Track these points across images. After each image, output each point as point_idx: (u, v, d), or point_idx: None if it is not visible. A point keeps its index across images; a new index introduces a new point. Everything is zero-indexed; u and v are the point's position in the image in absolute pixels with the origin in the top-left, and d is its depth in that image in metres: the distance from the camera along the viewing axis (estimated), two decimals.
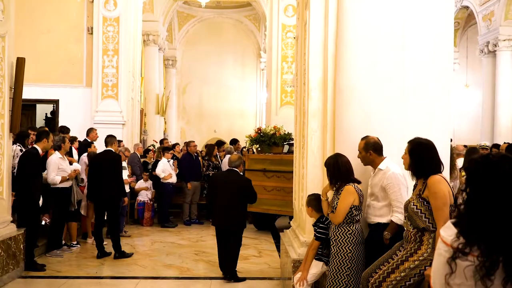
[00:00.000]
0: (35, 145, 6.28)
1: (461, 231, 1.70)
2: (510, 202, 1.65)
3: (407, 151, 3.22)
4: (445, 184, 3.02)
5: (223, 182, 5.81)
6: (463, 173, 3.66)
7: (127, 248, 7.32)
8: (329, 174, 3.90)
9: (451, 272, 1.65)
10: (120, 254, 6.73)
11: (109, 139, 7.17)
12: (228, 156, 9.24)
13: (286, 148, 9.07)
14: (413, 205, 3.06)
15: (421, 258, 3.02)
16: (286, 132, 8.83)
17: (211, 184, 6.16)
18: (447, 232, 1.76)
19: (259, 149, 8.93)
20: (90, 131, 8.90)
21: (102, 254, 6.73)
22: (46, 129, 7.16)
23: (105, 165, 6.90)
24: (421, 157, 3.12)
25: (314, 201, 4.22)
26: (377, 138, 3.83)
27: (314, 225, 4.20)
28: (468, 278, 1.62)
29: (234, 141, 11.61)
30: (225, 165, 9.08)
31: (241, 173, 6.16)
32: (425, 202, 3.03)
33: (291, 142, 8.80)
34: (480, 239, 1.64)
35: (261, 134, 8.84)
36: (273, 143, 8.73)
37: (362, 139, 3.85)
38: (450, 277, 1.66)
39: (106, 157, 6.99)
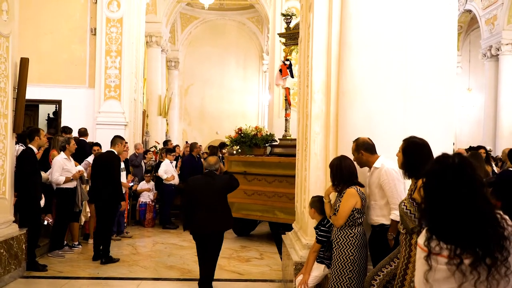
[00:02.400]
0: (29, 145, 6.22)
1: (429, 230, 1.75)
2: (458, 191, 1.71)
3: (401, 149, 3.21)
4: None
5: (203, 187, 5.27)
6: None
7: (129, 249, 7.32)
8: (332, 176, 3.91)
9: (429, 269, 1.69)
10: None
11: (112, 140, 7.01)
12: None
13: (268, 149, 8.56)
14: (404, 205, 3.01)
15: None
16: (268, 133, 8.49)
17: (190, 190, 5.40)
18: (423, 239, 1.79)
19: (239, 150, 8.40)
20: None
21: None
22: (36, 127, 7.09)
23: (102, 167, 6.77)
24: (413, 156, 3.10)
25: (318, 203, 4.22)
26: (368, 138, 3.83)
27: (316, 228, 4.20)
28: (452, 275, 1.66)
29: None
30: None
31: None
32: (414, 203, 2.97)
33: (273, 143, 8.51)
34: (445, 233, 1.70)
35: (242, 134, 8.34)
36: (254, 145, 8.23)
37: (353, 141, 3.86)
38: (429, 274, 1.70)
39: (104, 159, 6.89)
